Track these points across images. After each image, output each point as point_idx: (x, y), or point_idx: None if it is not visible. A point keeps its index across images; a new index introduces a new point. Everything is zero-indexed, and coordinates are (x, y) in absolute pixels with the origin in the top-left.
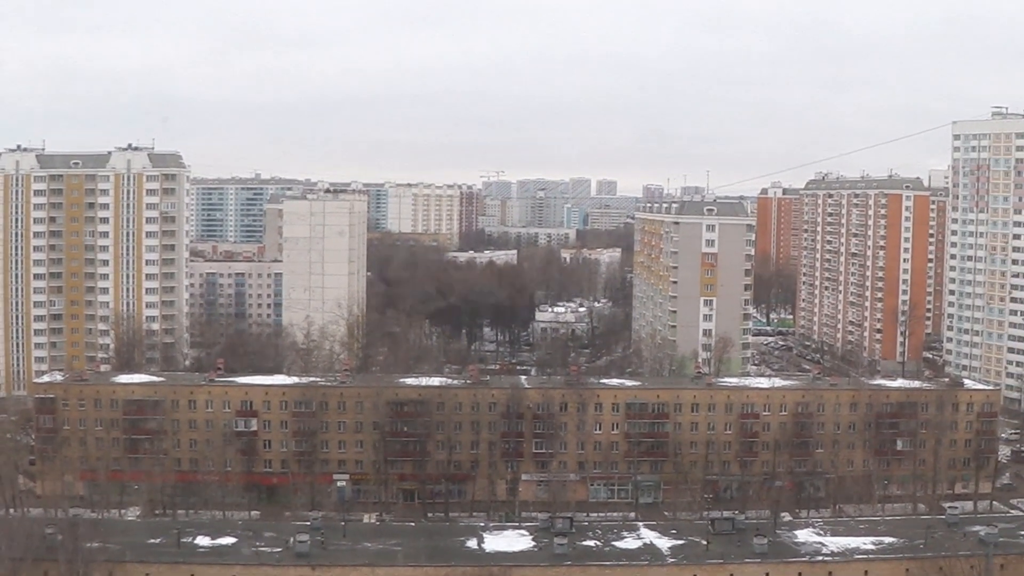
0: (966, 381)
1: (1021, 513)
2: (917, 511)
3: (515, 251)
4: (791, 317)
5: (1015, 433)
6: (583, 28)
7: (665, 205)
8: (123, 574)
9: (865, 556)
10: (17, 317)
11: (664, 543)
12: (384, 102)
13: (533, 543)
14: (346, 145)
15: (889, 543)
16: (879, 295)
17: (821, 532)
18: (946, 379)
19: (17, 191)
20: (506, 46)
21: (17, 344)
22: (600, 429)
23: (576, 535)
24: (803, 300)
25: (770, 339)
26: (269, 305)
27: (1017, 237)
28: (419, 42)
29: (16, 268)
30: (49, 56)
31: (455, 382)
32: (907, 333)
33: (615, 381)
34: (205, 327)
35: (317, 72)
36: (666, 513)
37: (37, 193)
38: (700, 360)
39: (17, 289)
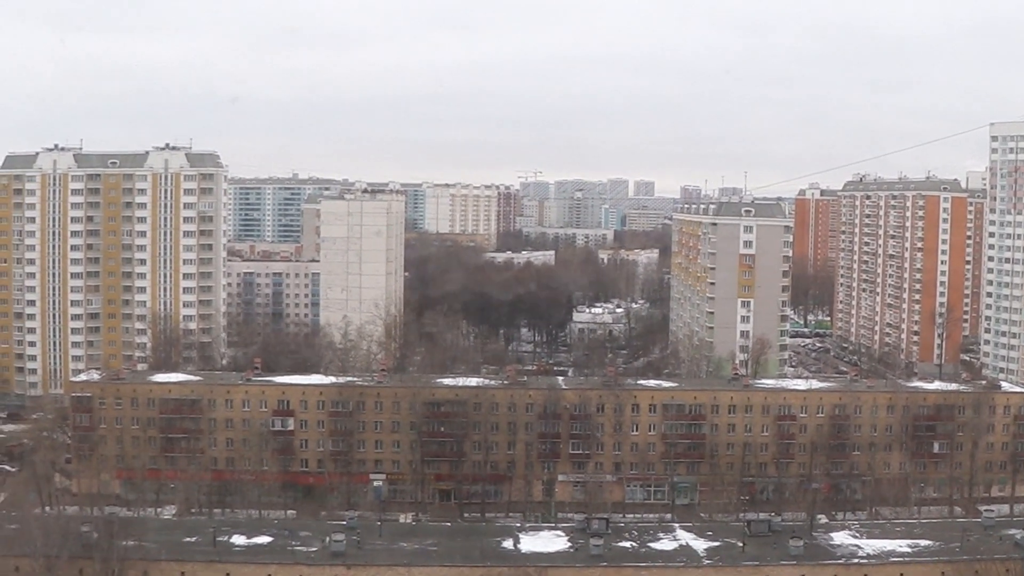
0: (1003, 383)
1: None
2: (953, 514)
3: (553, 252)
4: (828, 319)
5: None
6: (622, 28)
7: (703, 206)
8: (158, 573)
9: (901, 559)
10: (54, 316)
11: (700, 544)
12: (422, 102)
13: (569, 544)
14: (384, 145)
15: (925, 546)
16: (916, 297)
17: (857, 535)
18: (983, 381)
19: (55, 191)
20: (544, 46)
21: (54, 343)
22: (637, 430)
23: (612, 536)
24: (840, 302)
25: (807, 341)
26: (306, 305)
27: None
28: (458, 41)
29: (54, 267)
30: (86, 55)
31: (492, 382)
32: (944, 335)
33: (652, 382)
34: (242, 327)
35: (355, 72)
36: (702, 515)
37: (75, 192)
38: (737, 362)
39: (55, 288)
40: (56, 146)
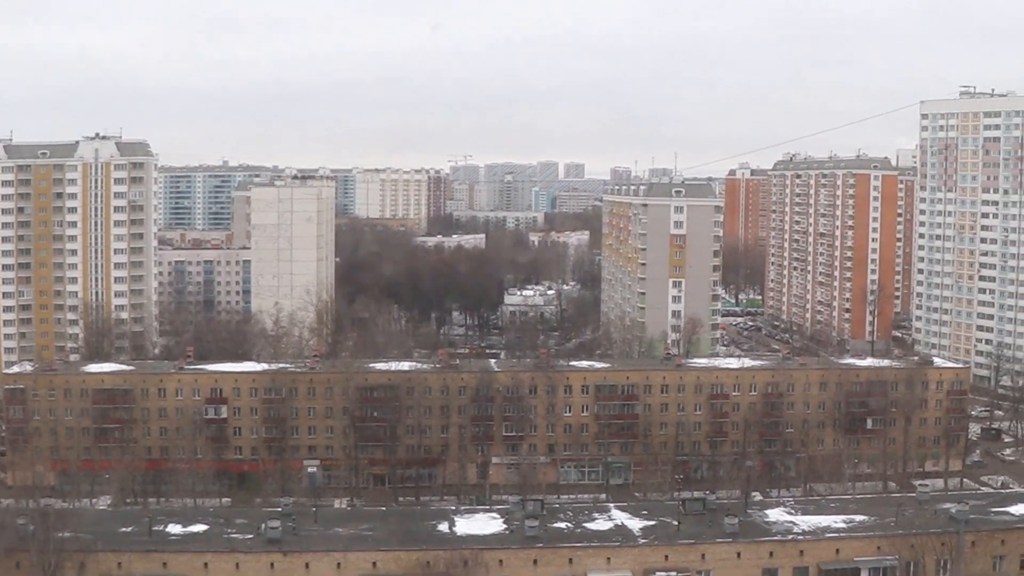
0: (935, 359)
1: (991, 490)
2: (888, 489)
3: (483, 235)
4: (760, 298)
5: (984, 411)
6: (551, 11)
7: (633, 187)
8: (95, 563)
9: (836, 535)
10: None
11: (635, 524)
12: (351, 88)
13: (504, 526)
14: (313, 132)
15: (860, 521)
16: (848, 275)
17: (792, 511)
18: (915, 358)
19: None
20: (473, 30)
21: None
22: (570, 411)
23: (547, 517)
24: (772, 281)
25: (739, 320)
26: (238, 292)
27: (985, 215)
28: (385, 27)
29: None
30: (14, 46)
31: (425, 367)
32: (876, 312)
33: (585, 363)
34: (174, 315)
35: (283, 59)
36: (637, 494)
37: (5, 184)
38: (669, 341)
39: None
40: None
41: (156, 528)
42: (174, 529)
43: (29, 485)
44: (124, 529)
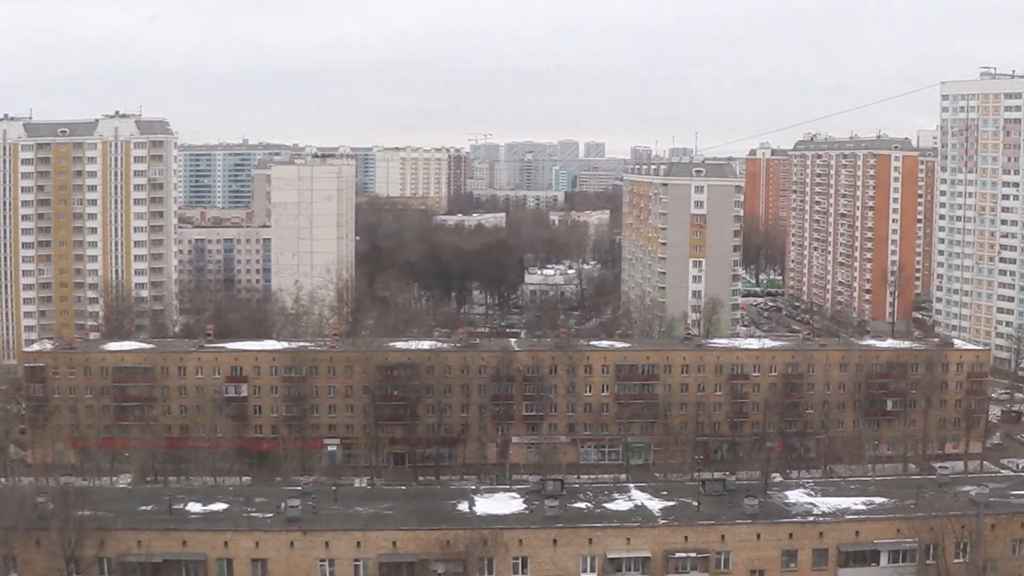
0: (956, 341)
1: (1011, 473)
2: (908, 471)
3: (503, 214)
4: (780, 278)
5: (1005, 393)
6: None
7: (653, 167)
8: (114, 541)
9: (856, 516)
10: (6, 286)
11: (655, 504)
12: (373, 67)
13: (524, 505)
14: (334, 110)
15: (880, 503)
16: (868, 256)
17: (812, 493)
18: (936, 339)
19: (5, 160)
20: (496, 9)
21: (6, 313)
22: (590, 391)
23: (567, 497)
24: (792, 261)
25: (759, 300)
26: (258, 271)
27: (1006, 197)
28: (407, 5)
29: (4, 237)
30: (34, 24)
31: (445, 345)
32: (896, 293)
33: (605, 343)
34: (194, 293)
35: (305, 38)
36: (657, 475)
37: (25, 162)
38: (689, 321)
39: (5, 258)
40: (5, 116)
41: (176, 506)
42: (194, 507)
43: (49, 463)
44: (144, 507)
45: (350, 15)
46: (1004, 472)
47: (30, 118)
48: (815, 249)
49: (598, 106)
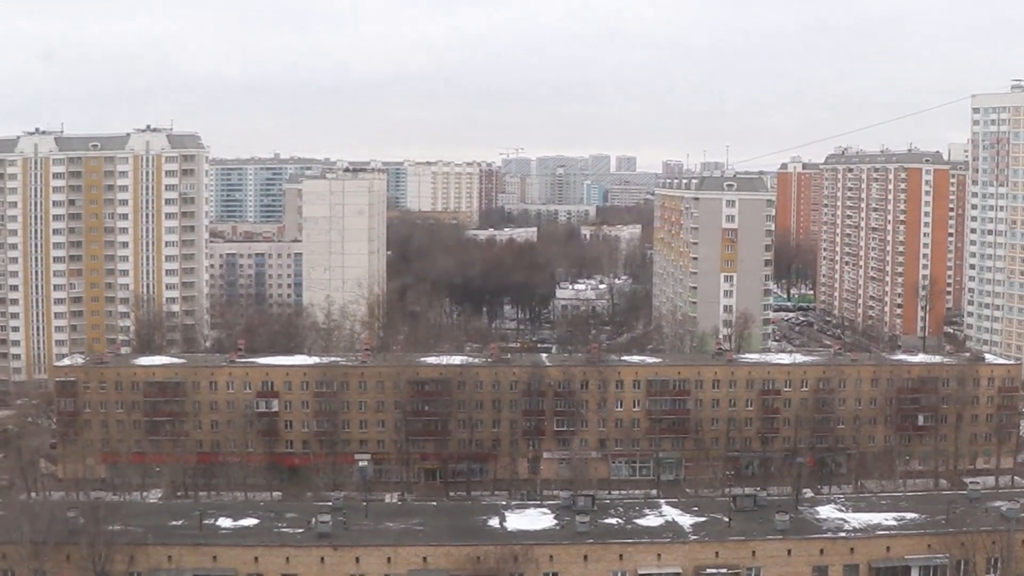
0: (987, 356)
1: None
2: (939, 487)
3: (535, 228)
4: (811, 292)
5: None
6: (603, 3)
7: (685, 181)
8: (145, 556)
9: (887, 532)
10: (37, 300)
11: (686, 520)
12: (403, 80)
13: (555, 521)
14: (365, 124)
15: (911, 519)
16: (899, 270)
17: (843, 508)
18: (967, 354)
19: (36, 174)
20: (526, 23)
21: (37, 327)
22: (621, 407)
23: (598, 513)
24: (823, 275)
25: (791, 315)
26: (289, 285)
27: None
28: (438, 19)
29: (36, 251)
30: (67, 38)
31: (476, 360)
32: (928, 308)
33: (636, 358)
34: (225, 308)
35: (336, 51)
36: (688, 490)
37: (56, 176)
38: (721, 336)
39: (37, 272)
40: (37, 130)
41: (206, 522)
42: (224, 523)
43: (79, 478)
44: (174, 522)
45: (382, 29)
46: None
47: (61, 132)
48: (846, 263)
49: (630, 120)
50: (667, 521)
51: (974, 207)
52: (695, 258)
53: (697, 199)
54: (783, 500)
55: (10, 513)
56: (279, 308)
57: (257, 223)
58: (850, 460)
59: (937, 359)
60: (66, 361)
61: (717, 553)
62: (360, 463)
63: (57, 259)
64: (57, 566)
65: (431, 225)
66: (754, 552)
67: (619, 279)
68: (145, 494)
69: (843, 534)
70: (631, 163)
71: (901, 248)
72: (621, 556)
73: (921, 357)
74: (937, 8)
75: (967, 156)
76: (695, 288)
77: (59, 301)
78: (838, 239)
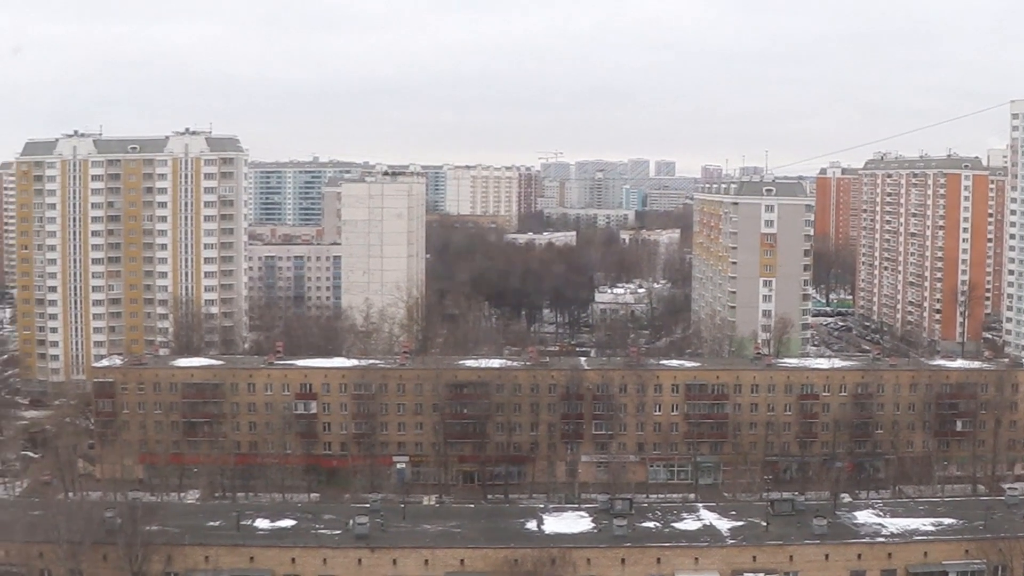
0: None
1: None
2: (977, 492)
3: (574, 232)
4: (850, 297)
5: None
6: (644, 7)
7: (724, 186)
8: (182, 557)
9: (925, 537)
10: (76, 302)
11: (724, 524)
12: (443, 84)
13: (592, 525)
14: (404, 127)
15: (949, 524)
16: (938, 275)
17: (881, 513)
18: (1006, 359)
19: (75, 176)
20: (566, 26)
21: (76, 328)
22: (660, 410)
23: (635, 516)
24: (862, 280)
25: (830, 320)
26: (328, 288)
27: None
28: (479, 22)
29: (75, 253)
30: (105, 42)
31: (515, 364)
32: (967, 313)
33: (675, 362)
34: (264, 310)
35: (375, 54)
36: (726, 494)
37: (95, 178)
38: (760, 341)
39: (76, 274)
40: (76, 132)
41: (244, 522)
42: (262, 524)
43: (117, 478)
44: (212, 523)
45: (422, 33)
46: None
47: (100, 135)
48: (885, 268)
49: (669, 124)
50: (705, 525)
51: (1013, 212)
52: (734, 263)
53: (736, 204)
54: (821, 505)
55: (48, 513)
56: (318, 311)
57: (296, 226)
58: (888, 465)
59: (975, 364)
60: (104, 362)
61: (754, 557)
62: (398, 465)
63: (96, 261)
64: (94, 566)
65: (470, 229)
66: (791, 556)
67: (658, 283)
68: (183, 495)
69: (881, 539)
70: (670, 168)
71: (940, 253)
72: (659, 560)
73: (959, 362)
74: (978, 13)
75: (1006, 162)
76: (734, 293)
77: (98, 303)
78: (877, 244)
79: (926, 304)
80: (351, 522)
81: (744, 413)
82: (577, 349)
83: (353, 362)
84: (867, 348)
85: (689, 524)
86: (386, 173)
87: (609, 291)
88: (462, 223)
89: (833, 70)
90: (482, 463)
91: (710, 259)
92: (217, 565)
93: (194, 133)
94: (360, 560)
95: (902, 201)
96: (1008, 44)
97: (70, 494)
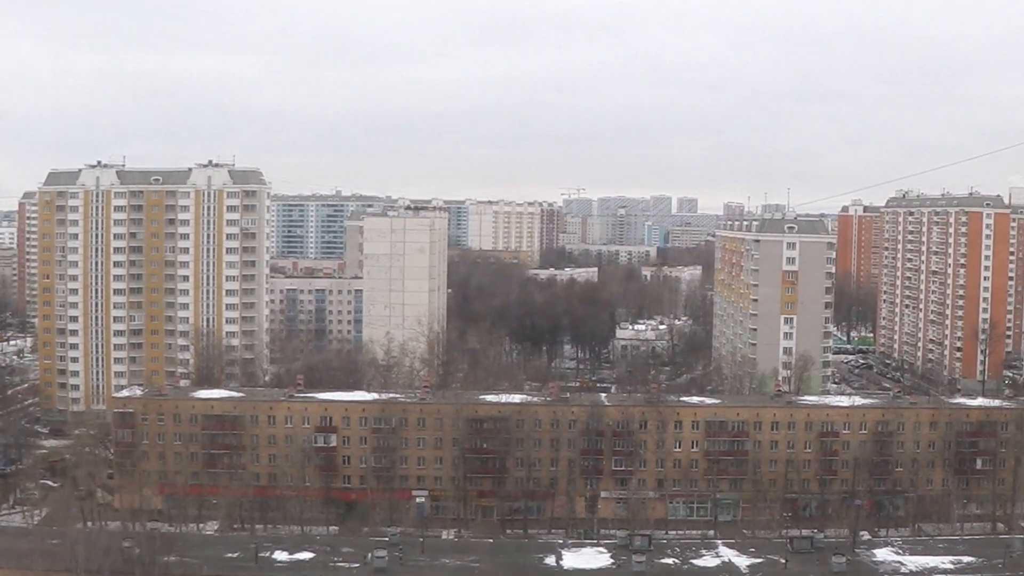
0: None
1: None
2: (996, 530)
3: (596, 268)
4: (871, 335)
5: None
6: (665, 44)
7: (746, 223)
8: None
9: (943, 575)
10: (97, 332)
11: (743, 561)
12: (465, 119)
13: (611, 560)
14: (426, 162)
15: (968, 562)
16: (959, 313)
17: (900, 551)
18: None
19: (97, 207)
20: (588, 62)
21: (97, 359)
22: (680, 447)
23: (655, 553)
24: (884, 318)
25: (850, 357)
26: (349, 321)
27: None
28: (501, 58)
29: (96, 283)
30: (129, 73)
31: (535, 399)
32: (987, 351)
33: (695, 399)
34: (285, 343)
35: (397, 89)
36: (745, 531)
37: (117, 209)
38: (780, 378)
39: (97, 304)
40: (99, 163)
41: (262, 554)
42: (281, 556)
43: (136, 509)
44: (230, 555)
45: (443, 68)
46: None
47: (123, 165)
48: (906, 306)
49: (691, 161)
50: (724, 562)
51: None
52: (755, 300)
53: (758, 241)
54: (840, 542)
55: (67, 542)
56: (339, 344)
57: (318, 259)
58: (907, 503)
59: (996, 403)
60: (125, 392)
61: None
62: (417, 499)
63: (117, 291)
64: None
65: (492, 264)
66: None
67: (679, 320)
68: (201, 526)
69: None
70: (692, 204)
71: (961, 292)
72: None
73: (980, 401)
74: (999, 53)
75: None
76: (755, 330)
77: (119, 333)
78: (898, 282)
79: (947, 342)
80: (370, 555)
81: (764, 450)
82: (598, 385)
83: (373, 396)
84: (887, 386)
85: (708, 561)
86: (408, 208)
87: (630, 327)
88: (484, 258)
89: (855, 108)
90: (501, 498)
91: (731, 296)
92: None
93: (217, 165)
94: None
95: (923, 239)
96: None
97: (89, 524)
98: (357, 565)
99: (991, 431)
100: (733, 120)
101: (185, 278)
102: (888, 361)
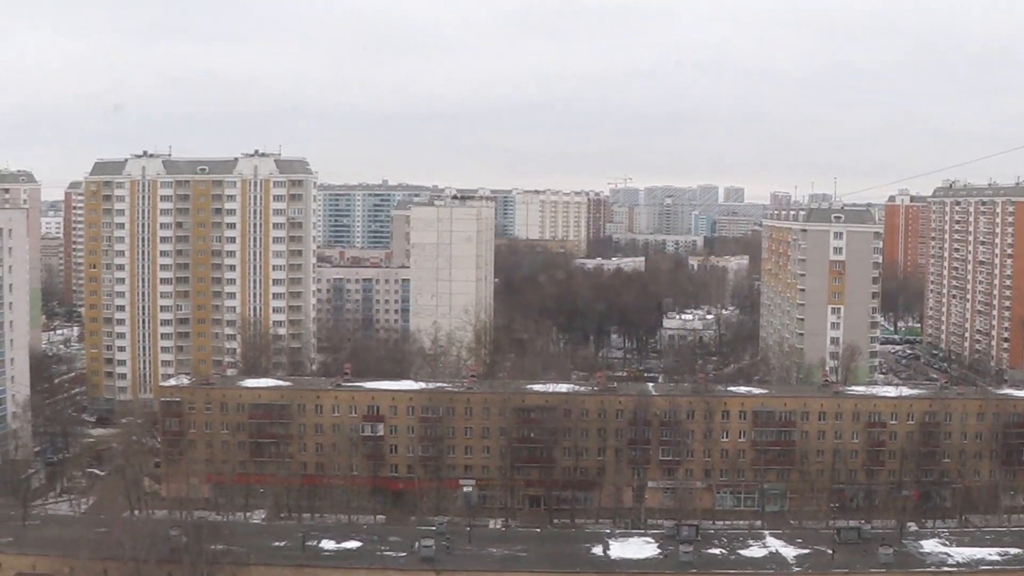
0: None
1: None
2: None
3: (643, 258)
4: (919, 325)
5: None
6: (712, 35)
7: (793, 212)
8: None
9: (991, 567)
10: (144, 321)
11: (790, 552)
12: (512, 109)
13: (658, 551)
14: (473, 152)
15: (1015, 554)
16: (1007, 303)
17: (947, 542)
18: None
19: (144, 197)
20: (635, 53)
21: (144, 348)
22: (727, 437)
23: (702, 543)
24: (931, 308)
25: (898, 348)
26: (396, 311)
27: None
28: (548, 49)
29: (143, 273)
30: (176, 65)
31: (582, 389)
32: None
33: (742, 389)
34: (332, 332)
35: (444, 80)
36: (792, 522)
37: (164, 199)
38: (827, 368)
39: (144, 294)
40: (145, 153)
41: (310, 543)
42: (328, 545)
43: (183, 497)
44: (277, 543)
45: (490, 57)
46: None
47: (169, 155)
48: (954, 296)
49: (738, 151)
50: (771, 552)
51: None
52: (802, 290)
53: (805, 231)
54: (887, 533)
55: (113, 530)
56: (386, 333)
57: (365, 249)
58: (955, 494)
59: None
60: (172, 381)
61: None
62: (464, 488)
63: (164, 281)
64: None
65: (539, 253)
66: None
67: (726, 310)
68: (248, 515)
69: (946, 568)
70: (739, 194)
71: (1008, 282)
72: None
73: None
74: None
75: None
76: (802, 320)
77: (166, 322)
78: (945, 272)
79: (994, 332)
80: (417, 544)
81: (811, 441)
82: (645, 375)
83: (420, 385)
84: (935, 376)
85: (755, 551)
86: (455, 197)
87: (677, 317)
88: (530, 247)
89: (902, 97)
90: (548, 487)
91: (778, 286)
92: None
93: (263, 155)
94: None
95: (971, 229)
96: None
97: (136, 512)
98: (404, 554)
99: None
100: (780, 109)
101: (232, 267)
102: (935, 351)
